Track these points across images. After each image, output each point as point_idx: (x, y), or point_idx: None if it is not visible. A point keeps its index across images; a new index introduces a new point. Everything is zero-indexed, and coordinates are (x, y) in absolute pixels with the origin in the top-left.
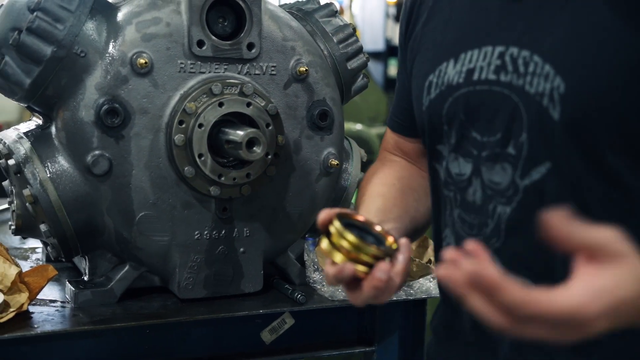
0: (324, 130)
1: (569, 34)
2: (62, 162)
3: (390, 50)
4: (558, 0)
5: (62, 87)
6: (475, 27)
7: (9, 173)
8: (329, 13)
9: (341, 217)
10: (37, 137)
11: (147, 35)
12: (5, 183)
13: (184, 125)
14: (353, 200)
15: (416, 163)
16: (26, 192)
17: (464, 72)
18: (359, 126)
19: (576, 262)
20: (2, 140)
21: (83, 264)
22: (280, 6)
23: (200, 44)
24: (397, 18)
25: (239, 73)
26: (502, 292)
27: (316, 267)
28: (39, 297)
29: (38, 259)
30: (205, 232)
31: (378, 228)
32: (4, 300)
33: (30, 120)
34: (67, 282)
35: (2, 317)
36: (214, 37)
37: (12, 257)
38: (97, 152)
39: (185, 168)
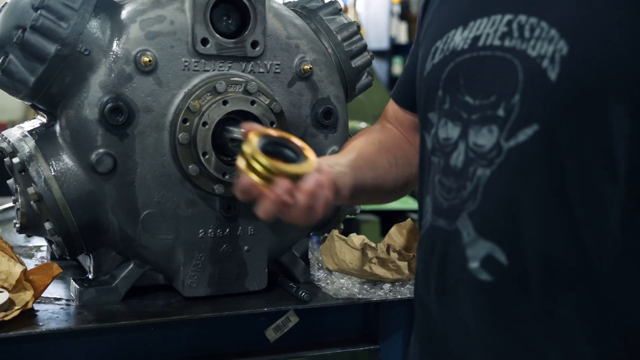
0: (328, 129)
1: (580, 2)
2: (67, 160)
3: (394, 49)
4: None
5: (66, 85)
6: None
7: (14, 171)
8: (333, 11)
9: (260, 135)
10: (42, 136)
11: (151, 33)
12: (10, 181)
13: (188, 124)
14: None
15: (408, 135)
16: (30, 190)
17: (470, 39)
18: (363, 124)
19: None
20: (6, 138)
21: (87, 262)
22: (285, 4)
23: (205, 42)
24: (401, 16)
25: (243, 71)
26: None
27: (320, 265)
28: (43, 295)
29: (43, 257)
30: (210, 230)
31: (298, 142)
32: (9, 298)
33: (34, 118)
34: (71, 280)
35: (7, 315)
36: (218, 35)
37: (17, 255)
38: (101, 150)
39: (190, 166)
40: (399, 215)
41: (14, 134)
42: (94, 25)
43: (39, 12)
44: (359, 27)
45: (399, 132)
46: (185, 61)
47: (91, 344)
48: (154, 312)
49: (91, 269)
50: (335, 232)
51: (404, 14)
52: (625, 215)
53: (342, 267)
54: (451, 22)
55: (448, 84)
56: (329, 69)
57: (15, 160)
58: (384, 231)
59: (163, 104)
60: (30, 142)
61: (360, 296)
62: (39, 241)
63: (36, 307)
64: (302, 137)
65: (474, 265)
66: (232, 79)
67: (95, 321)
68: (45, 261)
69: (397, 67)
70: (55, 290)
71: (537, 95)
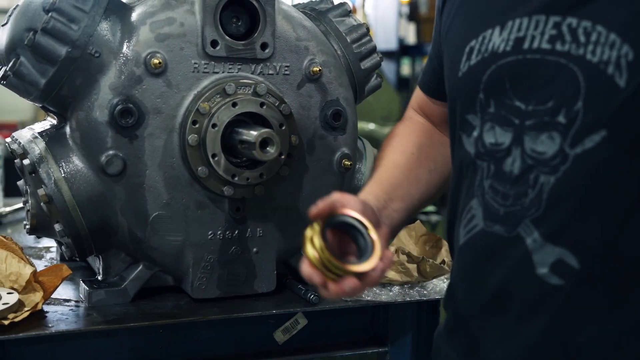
0: (338, 131)
1: (636, 5)
2: (77, 162)
3: (402, 50)
4: None
5: (77, 87)
6: None
7: (24, 173)
8: (343, 13)
9: (329, 216)
10: (52, 137)
11: (161, 35)
12: (20, 182)
13: (197, 125)
14: None
15: (438, 126)
16: (41, 191)
17: (511, 40)
18: (371, 126)
19: None
20: (17, 140)
21: (97, 264)
22: (294, 6)
23: (214, 44)
24: (410, 17)
25: (252, 73)
26: None
27: None
28: (53, 296)
29: (52, 259)
30: (219, 232)
31: (367, 224)
32: (19, 300)
33: (44, 120)
34: (81, 282)
35: (16, 316)
36: (227, 37)
37: (27, 257)
38: (111, 152)
39: (199, 168)
40: None
41: (24, 135)
42: (104, 28)
43: (50, 14)
44: (368, 29)
45: (428, 123)
46: (195, 63)
47: (100, 345)
48: (163, 314)
49: (100, 271)
50: None
51: (413, 15)
52: None
53: None
54: (485, 20)
55: (491, 87)
56: (338, 70)
57: (26, 161)
58: None
59: (173, 106)
60: (41, 144)
61: (369, 298)
62: (48, 242)
63: (46, 308)
64: (311, 139)
65: (542, 270)
66: (241, 80)
67: (105, 323)
68: (55, 262)
69: (406, 68)
70: (64, 291)
71: (604, 102)
